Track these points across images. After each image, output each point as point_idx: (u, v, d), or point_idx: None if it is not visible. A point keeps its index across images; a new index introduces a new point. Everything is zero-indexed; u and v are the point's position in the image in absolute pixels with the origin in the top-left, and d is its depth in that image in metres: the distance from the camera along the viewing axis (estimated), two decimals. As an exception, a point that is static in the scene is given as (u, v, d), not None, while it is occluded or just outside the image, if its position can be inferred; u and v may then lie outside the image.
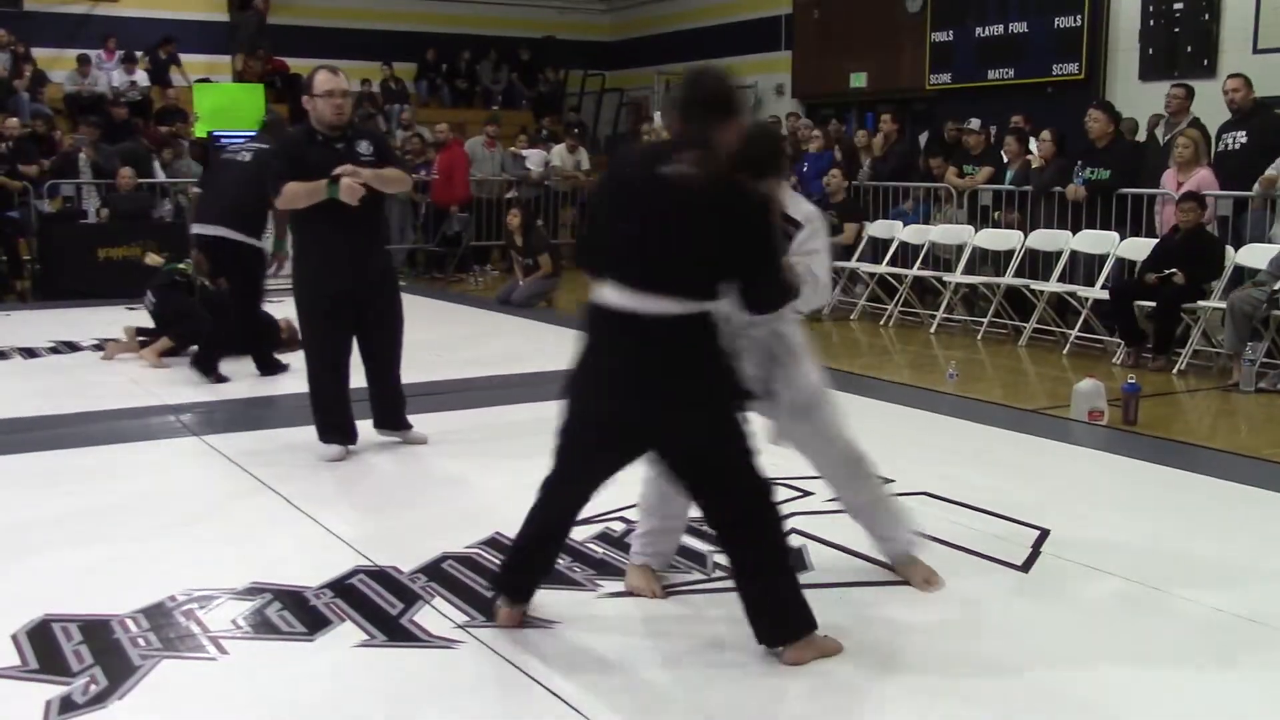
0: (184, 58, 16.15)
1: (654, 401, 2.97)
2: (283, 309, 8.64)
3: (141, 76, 15.44)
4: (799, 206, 3.56)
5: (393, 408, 5.32)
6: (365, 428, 5.29)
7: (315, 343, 5.16)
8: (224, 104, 13.40)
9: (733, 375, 3.10)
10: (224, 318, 7.15)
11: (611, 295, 2.97)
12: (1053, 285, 8.62)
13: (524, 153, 13.99)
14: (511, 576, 3.36)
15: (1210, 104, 8.97)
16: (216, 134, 12.21)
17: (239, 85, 13.53)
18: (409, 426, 5.36)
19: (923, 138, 12.01)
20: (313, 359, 5.18)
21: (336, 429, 5.17)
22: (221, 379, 6.84)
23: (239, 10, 17.04)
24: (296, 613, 3.42)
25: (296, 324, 5.24)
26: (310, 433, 5.22)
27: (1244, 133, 8.19)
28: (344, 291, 5.00)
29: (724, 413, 3.03)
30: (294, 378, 7.09)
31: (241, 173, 6.70)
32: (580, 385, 3.09)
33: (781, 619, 3.08)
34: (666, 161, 2.93)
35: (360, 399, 5.26)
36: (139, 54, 15.60)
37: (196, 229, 7.03)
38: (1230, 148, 8.26)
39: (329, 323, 5.08)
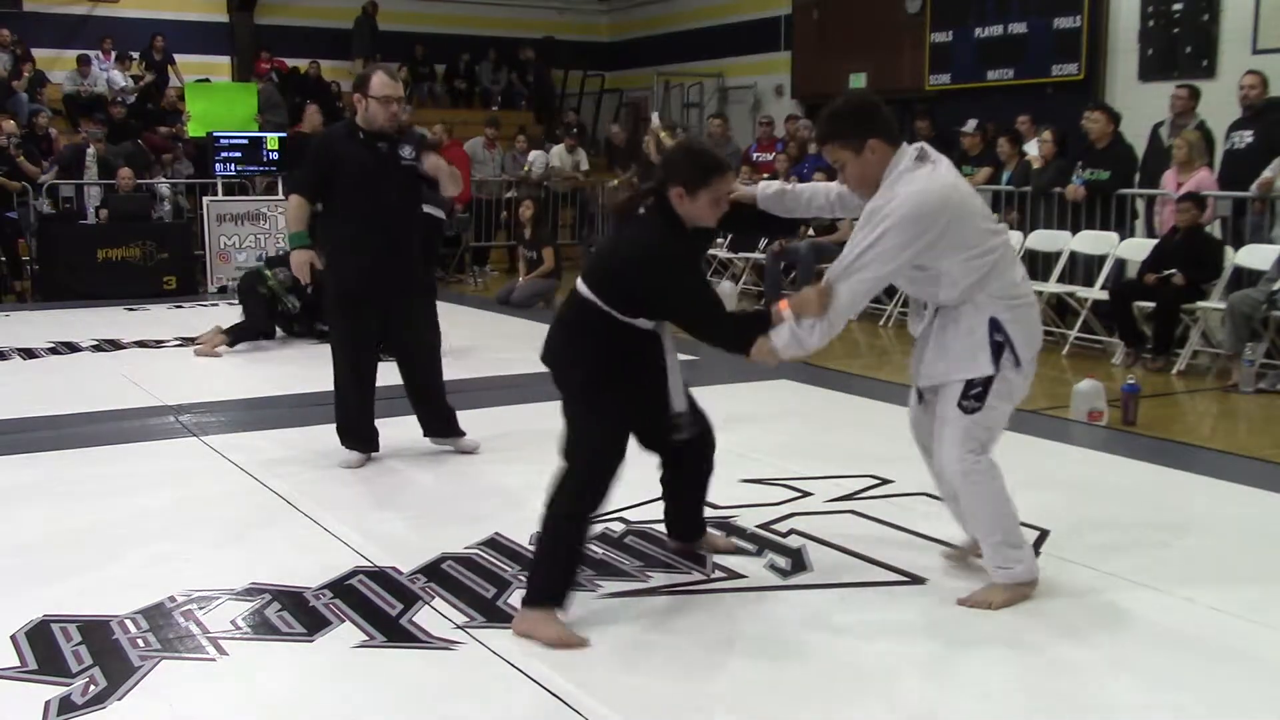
0: (182, 59, 16.14)
1: (549, 347, 3.52)
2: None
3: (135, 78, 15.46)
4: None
5: (436, 416, 5.27)
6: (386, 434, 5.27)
7: (339, 347, 5.12)
8: (217, 104, 13.41)
9: (606, 371, 3.39)
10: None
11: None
12: (1052, 286, 8.62)
13: (529, 156, 14.00)
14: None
15: (1210, 105, 8.96)
16: (216, 134, 12.27)
17: (231, 85, 13.50)
18: (460, 434, 5.30)
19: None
20: (338, 362, 5.14)
21: (355, 435, 5.12)
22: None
23: (238, 11, 17.05)
24: (296, 613, 3.41)
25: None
26: (310, 433, 5.22)
27: (1251, 132, 8.19)
28: (367, 297, 4.96)
29: (588, 393, 3.40)
30: (294, 379, 7.10)
31: None
32: None
33: (532, 583, 3.36)
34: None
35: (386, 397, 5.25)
36: (135, 55, 15.61)
37: None
38: (1237, 146, 8.26)
39: (351, 325, 5.03)
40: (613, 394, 3.40)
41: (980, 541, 3.55)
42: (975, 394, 3.37)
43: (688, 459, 3.74)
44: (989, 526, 3.47)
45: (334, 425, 5.15)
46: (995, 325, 3.34)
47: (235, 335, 8.18)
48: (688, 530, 3.93)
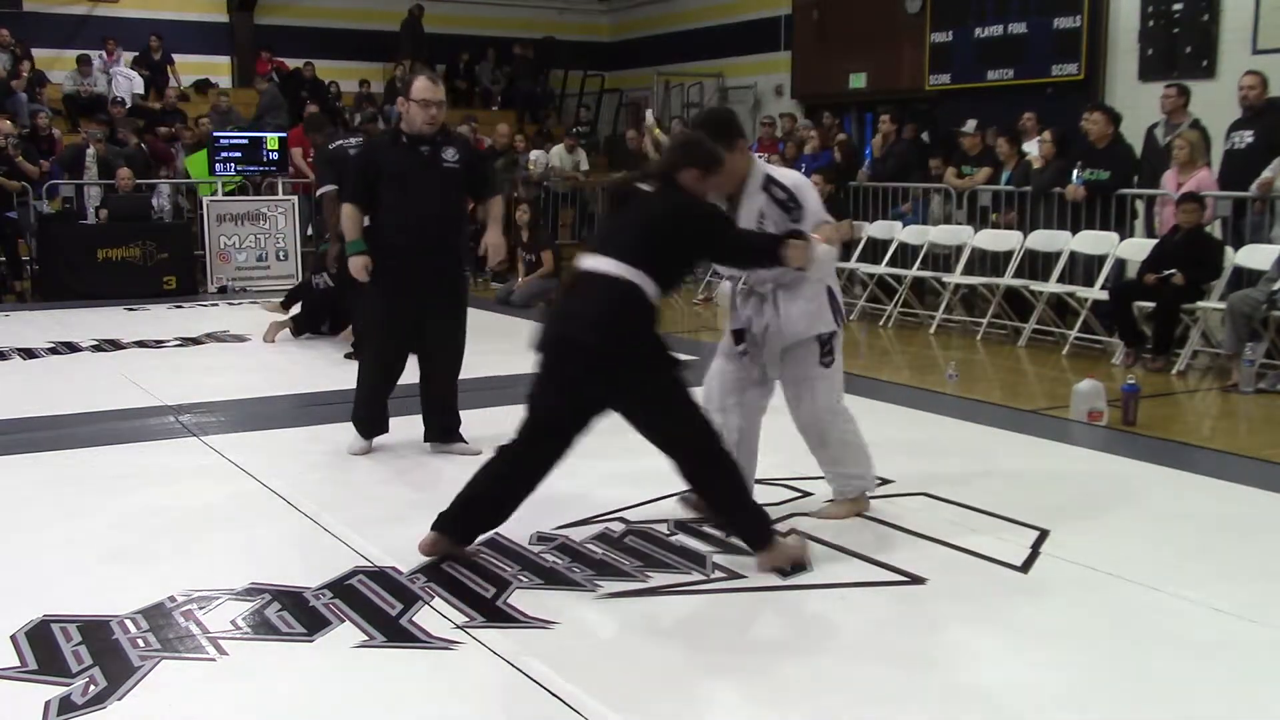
0: (182, 59, 16.14)
1: (582, 332, 3.60)
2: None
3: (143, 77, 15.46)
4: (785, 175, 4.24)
5: (443, 422, 5.31)
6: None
7: (371, 339, 5.26)
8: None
9: (656, 346, 3.64)
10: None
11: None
12: (1052, 286, 8.63)
13: (530, 156, 14.00)
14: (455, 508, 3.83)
15: (1210, 105, 8.96)
16: (216, 134, 12.28)
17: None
18: (460, 440, 5.33)
19: (923, 137, 11.99)
20: (367, 354, 5.29)
21: (367, 420, 5.24)
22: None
23: (238, 11, 17.06)
24: (296, 613, 3.41)
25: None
26: (311, 433, 5.22)
27: (1251, 132, 8.19)
28: (406, 295, 5.03)
29: (657, 370, 3.63)
30: (294, 379, 7.10)
31: None
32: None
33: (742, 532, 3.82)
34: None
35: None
36: (134, 55, 15.61)
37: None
38: (1237, 146, 8.26)
39: (388, 321, 5.13)
40: (673, 368, 3.65)
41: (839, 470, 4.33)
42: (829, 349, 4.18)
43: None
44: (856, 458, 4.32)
45: (335, 425, 5.17)
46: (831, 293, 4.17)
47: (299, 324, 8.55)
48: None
